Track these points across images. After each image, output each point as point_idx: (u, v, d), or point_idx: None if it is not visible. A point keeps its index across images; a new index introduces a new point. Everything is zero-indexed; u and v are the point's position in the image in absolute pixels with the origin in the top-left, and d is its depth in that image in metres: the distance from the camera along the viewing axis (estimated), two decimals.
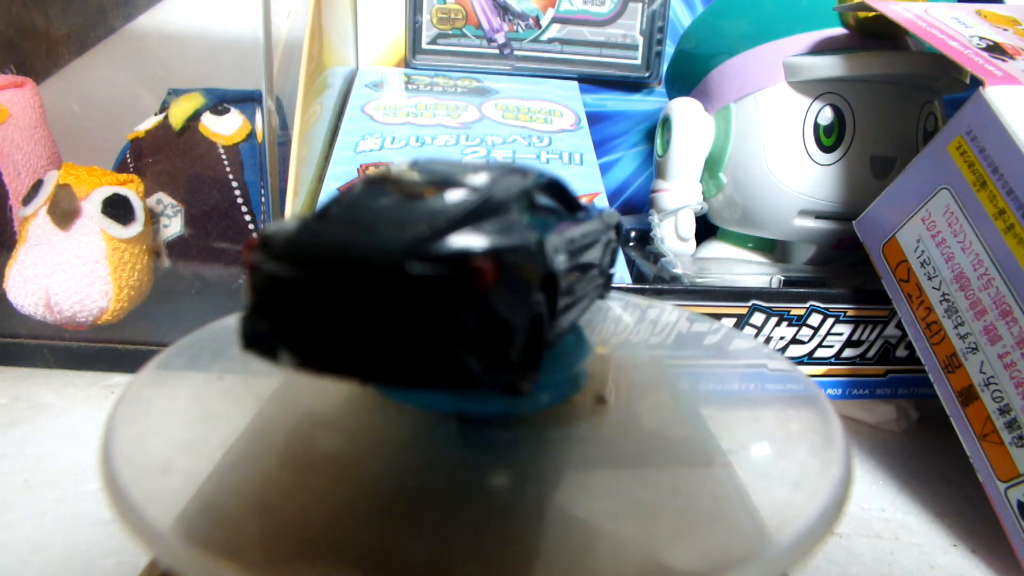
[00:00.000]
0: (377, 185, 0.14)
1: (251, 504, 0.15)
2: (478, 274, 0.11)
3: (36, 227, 0.35)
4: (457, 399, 0.17)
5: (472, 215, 0.13)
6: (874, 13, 0.31)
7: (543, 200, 0.17)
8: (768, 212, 0.36)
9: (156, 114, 0.40)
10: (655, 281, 0.35)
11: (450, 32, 0.47)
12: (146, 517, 0.13)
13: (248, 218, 0.39)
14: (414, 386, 0.12)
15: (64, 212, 0.35)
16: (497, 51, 0.47)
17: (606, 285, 0.22)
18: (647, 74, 0.48)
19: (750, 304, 0.32)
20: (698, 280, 0.33)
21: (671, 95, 0.43)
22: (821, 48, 0.35)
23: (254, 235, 0.13)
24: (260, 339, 0.13)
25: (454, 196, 0.13)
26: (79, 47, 0.48)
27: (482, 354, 0.12)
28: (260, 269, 0.12)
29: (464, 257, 0.11)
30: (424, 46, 0.47)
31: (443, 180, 0.14)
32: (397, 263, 0.11)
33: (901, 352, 0.34)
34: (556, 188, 0.17)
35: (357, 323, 0.11)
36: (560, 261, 0.14)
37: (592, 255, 0.18)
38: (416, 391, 0.17)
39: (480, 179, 0.14)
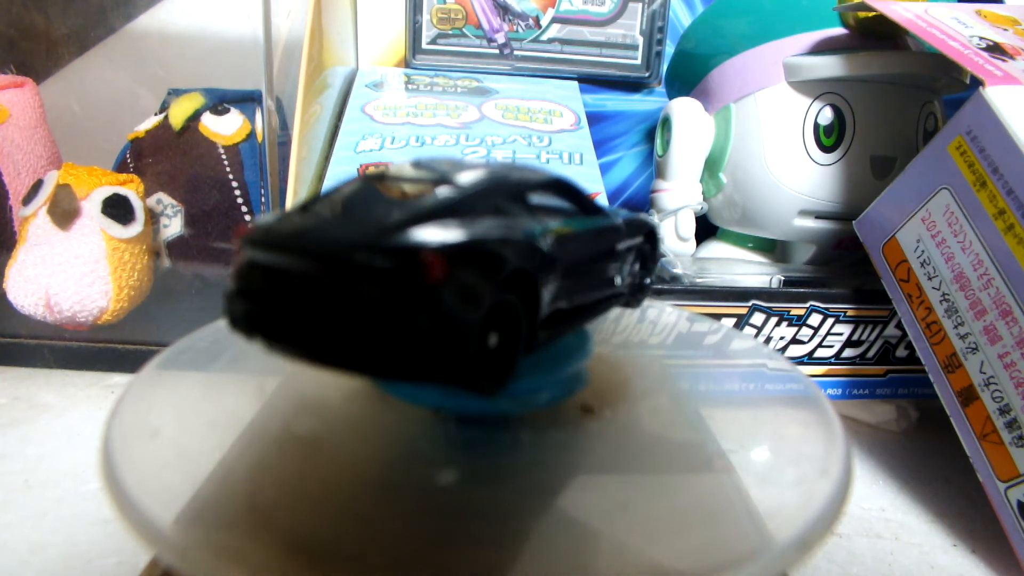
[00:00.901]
0: (372, 181, 0.15)
1: (252, 503, 0.15)
2: (426, 267, 0.11)
3: (36, 227, 0.35)
4: (457, 399, 0.17)
5: (443, 211, 0.13)
6: (874, 13, 0.31)
7: (549, 201, 0.17)
8: (768, 212, 0.36)
9: (156, 114, 0.40)
10: (655, 281, 0.35)
11: (450, 32, 0.47)
12: (147, 515, 0.13)
13: (248, 218, 0.39)
14: (368, 374, 0.12)
15: (64, 212, 0.35)
16: (497, 51, 0.47)
17: (636, 293, 0.21)
18: (647, 74, 0.48)
19: (750, 304, 0.32)
20: (698, 280, 0.33)
21: (671, 95, 0.43)
22: (821, 48, 0.35)
23: (248, 224, 0.14)
24: (238, 319, 0.13)
25: (434, 193, 0.14)
26: (79, 47, 0.48)
27: (434, 347, 0.12)
28: (240, 254, 0.13)
29: (414, 250, 0.11)
30: (424, 46, 0.47)
31: (432, 178, 0.14)
32: (348, 254, 0.12)
33: (901, 352, 0.34)
34: (563, 189, 0.17)
35: (316, 309, 0.12)
36: (544, 261, 0.14)
37: (609, 260, 0.18)
38: (417, 389, 0.17)
39: (469, 177, 0.14)
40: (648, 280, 0.22)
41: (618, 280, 0.19)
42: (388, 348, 0.12)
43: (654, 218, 0.39)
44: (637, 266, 0.21)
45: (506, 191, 0.15)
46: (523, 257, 0.13)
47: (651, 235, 0.21)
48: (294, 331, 0.12)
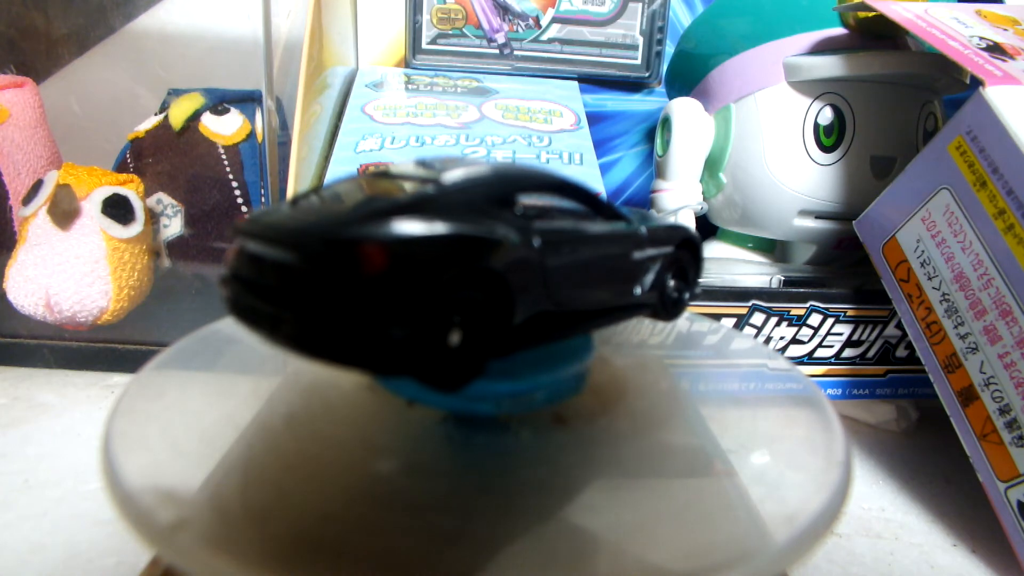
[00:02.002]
0: (362, 178, 0.15)
1: (253, 502, 0.15)
2: (364, 258, 0.12)
3: (36, 227, 0.35)
4: (457, 399, 0.17)
5: (411, 207, 0.13)
6: (874, 13, 0.31)
7: (558, 203, 0.17)
8: (768, 212, 0.36)
9: (156, 114, 0.40)
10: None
11: (450, 32, 0.47)
12: (148, 514, 0.13)
13: None
14: (321, 360, 0.12)
15: (64, 212, 0.35)
16: (497, 51, 0.47)
17: (669, 306, 0.20)
18: (647, 74, 0.48)
19: (750, 304, 0.32)
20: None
21: (671, 95, 0.43)
22: (821, 48, 0.35)
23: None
24: (226, 301, 0.14)
25: (413, 191, 0.14)
26: (79, 47, 0.48)
27: (376, 338, 0.12)
28: (233, 241, 0.14)
29: (355, 242, 0.12)
30: (424, 46, 0.47)
31: (421, 176, 0.15)
32: (302, 243, 0.12)
33: (901, 352, 0.34)
34: (570, 192, 0.17)
35: (277, 294, 0.13)
36: (520, 262, 0.14)
37: (623, 267, 0.18)
38: (418, 389, 0.17)
39: (455, 176, 0.14)
40: (686, 294, 0.21)
41: (638, 290, 0.19)
42: (334, 335, 0.12)
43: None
44: (670, 277, 0.20)
45: (494, 191, 0.15)
46: (489, 256, 0.13)
47: (690, 246, 0.20)
48: (262, 314, 0.13)
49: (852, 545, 0.26)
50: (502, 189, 0.15)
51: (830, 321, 0.33)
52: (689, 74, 0.40)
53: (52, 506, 0.25)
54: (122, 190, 0.36)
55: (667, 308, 0.20)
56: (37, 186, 0.36)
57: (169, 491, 0.14)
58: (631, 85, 0.49)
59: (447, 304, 0.13)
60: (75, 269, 0.34)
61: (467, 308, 0.13)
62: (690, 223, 0.38)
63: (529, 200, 0.16)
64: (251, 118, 0.41)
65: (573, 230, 0.16)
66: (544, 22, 0.46)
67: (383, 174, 0.15)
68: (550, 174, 0.17)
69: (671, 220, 0.21)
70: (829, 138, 0.34)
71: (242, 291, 0.14)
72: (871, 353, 0.34)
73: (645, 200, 0.48)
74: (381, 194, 0.14)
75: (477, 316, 0.13)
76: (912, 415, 0.36)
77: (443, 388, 0.13)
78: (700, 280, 0.22)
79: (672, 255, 0.20)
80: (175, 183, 0.38)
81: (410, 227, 0.12)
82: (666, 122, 0.38)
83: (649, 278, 0.19)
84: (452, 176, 0.14)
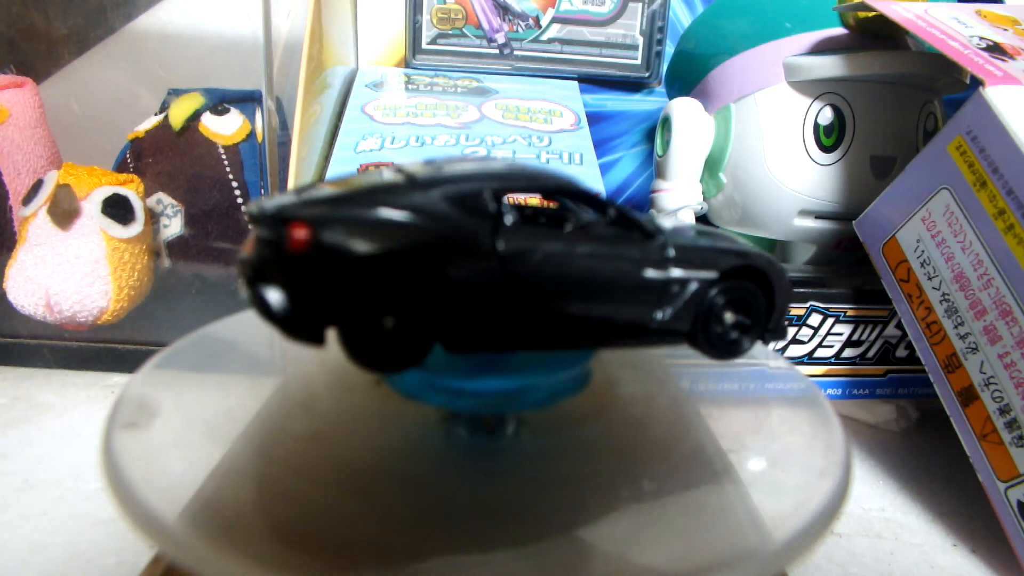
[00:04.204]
0: (363, 173, 0.16)
1: (254, 500, 0.15)
2: (291, 236, 0.13)
3: (36, 227, 0.35)
4: (457, 398, 0.17)
5: (365, 198, 0.14)
6: (874, 13, 0.31)
7: (573, 209, 0.17)
8: (768, 212, 0.36)
9: (156, 114, 0.40)
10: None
11: (450, 32, 0.47)
12: (151, 512, 0.13)
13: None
14: (277, 329, 0.14)
15: (64, 212, 0.35)
16: (497, 51, 0.47)
17: (713, 341, 0.17)
18: (647, 74, 0.48)
19: None
20: None
21: (671, 95, 0.43)
22: (821, 48, 0.35)
23: None
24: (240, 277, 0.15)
25: (386, 182, 0.15)
26: (79, 47, 0.48)
27: (306, 310, 0.14)
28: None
29: (288, 220, 0.13)
30: (424, 46, 0.47)
31: (409, 171, 0.15)
32: (261, 221, 0.14)
33: (901, 352, 0.34)
34: (580, 197, 0.16)
35: (259, 268, 0.14)
36: (470, 262, 0.14)
37: (632, 287, 0.16)
38: (418, 388, 0.17)
39: (430, 172, 0.15)
40: (747, 337, 0.18)
41: (659, 314, 0.16)
42: (277, 306, 0.14)
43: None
44: (726, 310, 0.17)
45: (467, 190, 0.15)
46: (424, 247, 0.14)
47: (757, 276, 0.17)
48: (250, 285, 0.14)
49: (852, 545, 0.26)
50: (477, 188, 0.15)
51: (830, 321, 0.33)
52: (689, 74, 0.40)
53: (52, 506, 0.25)
54: (122, 190, 0.36)
55: (713, 344, 0.17)
56: (37, 186, 0.36)
57: (171, 489, 0.14)
58: (631, 85, 0.49)
59: (373, 287, 0.14)
60: (75, 269, 0.34)
61: (401, 295, 0.14)
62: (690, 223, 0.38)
63: (538, 203, 0.16)
64: (251, 118, 0.41)
65: (555, 236, 0.15)
66: (544, 22, 0.46)
67: (389, 169, 0.16)
68: (554, 178, 0.16)
69: (736, 242, 0.18)
70: (829, 138, 0.34)
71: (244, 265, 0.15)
72: (871, 353, 0.34)
73: (645, 200, 0.48)
74: (360, 185, 0.15)
75: (412, 304, 0.14)
76: (912, 415, 0.36)
77: (372, 368, 0.14)
78: (782, 325, 0.18)
79: (727, 284, 0.17)
80: (175, 183, 0.38)
81: (345, 212, 0.14)
82: (666, 122, 0.38)
83: (679, 303, 0.17)
84: (427, 173, 0.15)
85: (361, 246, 0.13)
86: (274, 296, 0.14)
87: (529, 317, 0.15)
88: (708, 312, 0.17)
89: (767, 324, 0.18)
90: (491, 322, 0.15)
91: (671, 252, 0.16)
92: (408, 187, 0.15)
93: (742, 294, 0.17)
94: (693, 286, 0.17)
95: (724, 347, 0.18)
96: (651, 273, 0.16)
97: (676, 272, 0.16)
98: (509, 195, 0.16)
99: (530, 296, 0.15)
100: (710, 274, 0.17)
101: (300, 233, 0.13)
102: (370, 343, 0.14)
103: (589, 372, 0.19)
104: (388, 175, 0.15)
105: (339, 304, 0.14)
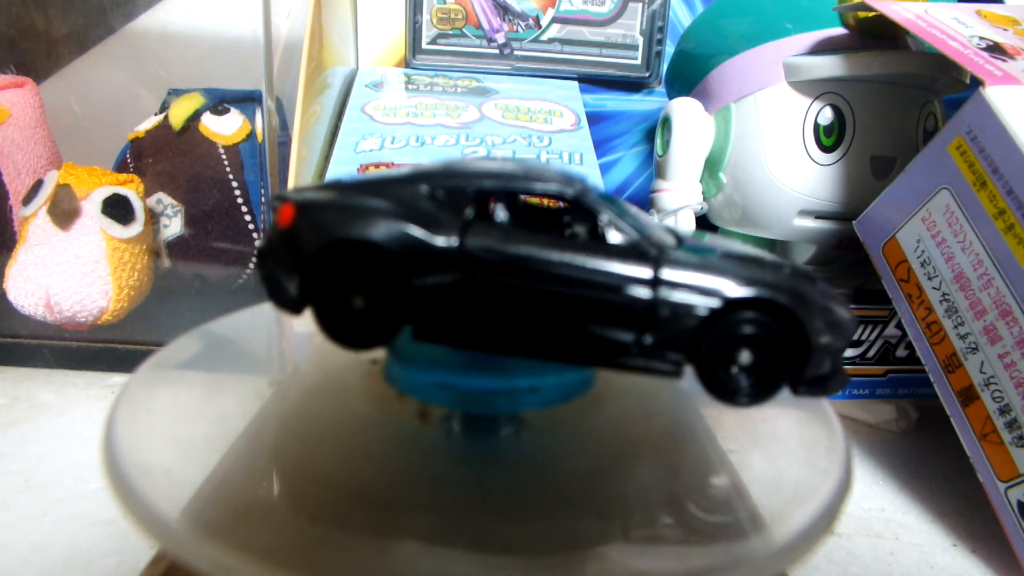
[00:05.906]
0: (399, 170, 0.17)
1: (256, 498, 0.15)
2: (279, 212, 0.15)
3: (36, 227, 0.35)
4: (457, 398, 0.17)
5: (358, 187, 0.16)
6: (874, 13, 0.31)
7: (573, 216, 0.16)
8: (768, 212, 0.36)
9: (156, 114, 0.40)
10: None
11: (450, 32, 0.47)
12: (153, 509, 0.13)
13: (248, 218, 0.39)
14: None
15: (64, 212, 0.35)
16: (497, 51, 0.47)
17: (720, 382, 0.15)
18: (647, 74, 0.48)
19: None
20: None
21: (671, 95, 0.43)
22: (821, 48, 0.35)
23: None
24: None
25: (393, 175, 0.16)
26: (79, 47, 0.48)
27: (285, 282, 0.15)
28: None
29: (280, 200, 0.16)
30: (424, 46, 0.47)
31: (420, 167, 0.17)
32: (272, 204, 0.16)
33: (901, 352, 0.34)
34: (572, 203, 0.16)
35: (264, 241, 0.16)
36: (421, 253, 0.15)
37: (612, 309, 0.14)
38: (418, 387, 0.17)
39: (412, 169, 0.16)
40: (763, 386, 0.15)
41: (644, 338, 0.15)
42: (266, 273, 0.16)
43: (654, 218, 0.39)
44: (742, 348, 0.15)
45: (440, 186, 0.16)
46: (391, 239, 0.15)
47: (775, 310, 0.14)
48: (258, 252, 0.16)
49: (852, 545, 0.26)
50: (461, 185, 0.16)
51: None
52: (689, 74, 0.40)
53: (52, 506, 0.25)
54: (122, 190, 0.36)
55: (723, 387, 0.15)
56: (37, 186, 0.36)
57: (173, 487, 0.14)
58: (631, 85, 0.49)
59: (341, 265, 0.15)
60: (75, 269, 0.34)
61: (367, 276, 0.15)
62: (690, 223, 0.38)
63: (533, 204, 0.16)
64: (251, 118, 0.41)
65: (532, 240, 0.15)
66: (544, 22, 0.46)
67: (410, 166, 0.17)
68: (555, 186, 0.16)
69: (764, 267, 0.15)
70: (829, 138, 0.34)
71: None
72: (871, 353, 0.34)
73: (645, 200, 0.48)
74: (372, 178, 0.16)
75: (377, 286, 0.15)
76: (912, 415, 0.36)
77: (342, 344, 0.15)
78: (822, 374, 0.15)
79: (739, 317, 0.14)
80: (175, 183, 0.38)
81: (328, 197, 0.15)
82: (666, 122, 0.38)
83: (673, 330, 0.14)
84: (433, 169, 0.16)
85: (334, 227, 0.15)
86: (265, 265, 0.16)
87: (491, 318, 0.15)
88: (713, 347, 0.15)
89: (799, 371, 0.15)
90: (452, 317, 0.15)
91: (666, 271, 0.14)
92: (406, 180, 0.16)
93: (760, 330, 0.14)
94: (696, 313, 0.14)
95: (729, 392, 0.15)
96: (634, 291, 0.14)
97: (669, 294, 0.14)
98: (510, 196, 0.16)
99: (490, 297, 0.15)
100: (712, 302, 0.14)
101: (285, 211, 0.15)
102: (340, 318, 0.15)
103: (593, 374, 0.18)
104: (403, 170, 0.16)
105: (312, 278, 0.15)
